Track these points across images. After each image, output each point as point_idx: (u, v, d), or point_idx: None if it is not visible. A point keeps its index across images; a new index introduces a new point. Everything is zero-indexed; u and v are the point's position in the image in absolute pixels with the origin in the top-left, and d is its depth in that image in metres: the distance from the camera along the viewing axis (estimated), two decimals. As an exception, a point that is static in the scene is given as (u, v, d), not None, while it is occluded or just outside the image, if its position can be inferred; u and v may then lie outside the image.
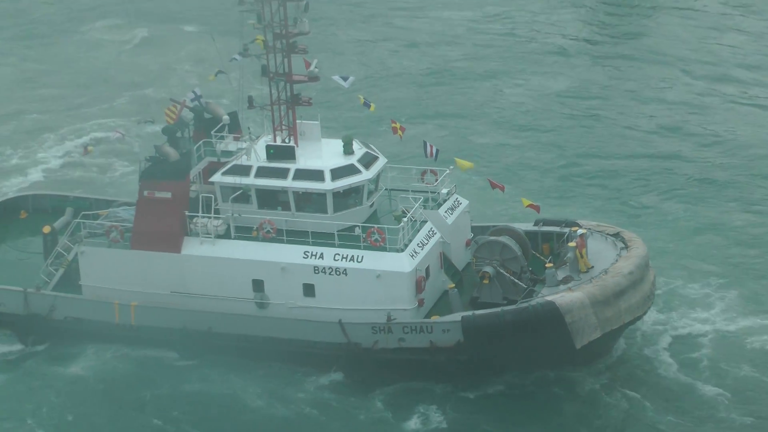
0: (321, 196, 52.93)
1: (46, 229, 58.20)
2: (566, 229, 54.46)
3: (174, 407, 52.99)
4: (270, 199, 53.68)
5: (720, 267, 58.17)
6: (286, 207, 53.74)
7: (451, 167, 56.67)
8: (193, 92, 58.86)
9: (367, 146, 55.62)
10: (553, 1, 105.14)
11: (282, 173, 53.44)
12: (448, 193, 55.20)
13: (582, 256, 51.80)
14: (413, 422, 51.42)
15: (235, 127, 58.09)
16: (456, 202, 55.39)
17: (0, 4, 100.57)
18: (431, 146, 57.06)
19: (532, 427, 51.03)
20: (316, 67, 54.85)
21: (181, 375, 54.55)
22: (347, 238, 52.88)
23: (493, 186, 56.42)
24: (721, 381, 52.20)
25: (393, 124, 57.64)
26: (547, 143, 69.52)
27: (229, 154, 56.29)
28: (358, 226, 53.09)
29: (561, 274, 50.99)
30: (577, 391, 52.65)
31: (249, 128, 57.81)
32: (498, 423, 51.31)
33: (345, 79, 56.24)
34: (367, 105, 59.54)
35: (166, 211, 54.63)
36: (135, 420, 52.96)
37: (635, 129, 76.17)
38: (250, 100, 56.10)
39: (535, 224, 55.32)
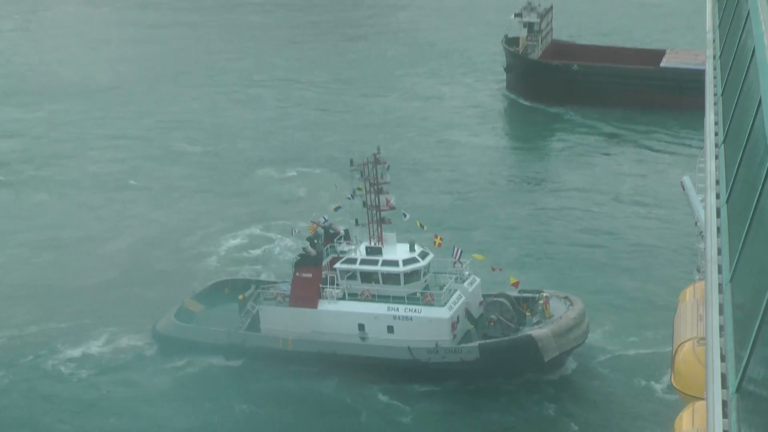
0: (397, 275, 62.54)
1: (240, 297, 66.65)
2: (537, 295, 63.15)
3: (288, 399, 61.73)
4: (368, 277, 63.29)
5: (628, 314, 66.23)
6: (377, 282, 63.13)
7: (470, 259, 64.51)
8: (323, 218, 66.53)
9: (422, 247, 63.96)
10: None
11: (375, 262, 63.28)
12: (468, 274, 64.00)
13: (546, 309, 61.73)
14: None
15: (347, 237, 65.64)
16: (473, 279, 64.10)
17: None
18: (457, 250, 64.05)
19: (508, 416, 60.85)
20: (393, 203, 63.74)
21: (307, 380, 62.50)
22: (412, 298, 62.40)
23: (494, 269, 64.85)
24: (618, 386, 61.78)
25: (435, 238, 64.82)
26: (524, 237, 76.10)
27: (344, 252, 64.58)
28: (419, 291, 62.55)
29: (534, 319, 61.91)
30: (541, 390, 61.61)
31: (356, 236, 65.10)
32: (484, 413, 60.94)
33: (405, 215, 65.21)
34: (421, 226, 66.12)
35: (308, 284, 63.73)
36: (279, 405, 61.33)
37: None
38: (357, 221, 64.43)
39: (519, 292, 63.64)
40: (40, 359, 63.76)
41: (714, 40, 27.80)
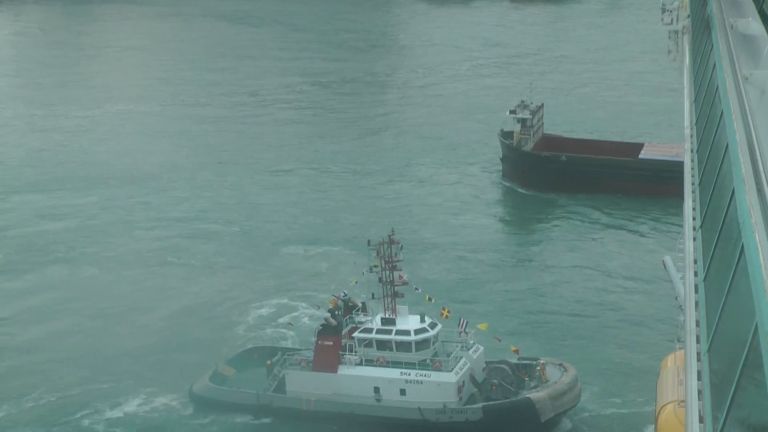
0: (409, 343, 62.41)
1: (268, 362, 66.06)
2: (534, 362, 63.23)
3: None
4: (383, 345, 63.07)
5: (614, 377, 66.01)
6: (391, 349, 62.89)
7: (474, 329, 64.51)
8: (344, 292, 66.86)
9: (431, 318, 63.78)
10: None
11: (389, 332, 63.02)
12: (472, 343, 63.69)
13: (543, 375, 61.44)
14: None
15: (364, 309, 65.70)
16: (477, 347, 63.64)
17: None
18: (463, 321, 64.34)
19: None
20: (406, 279, 63.93)
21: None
22: (423, 364, 62.13)
23: (496, 338, 65.25)
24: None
25: (443, 310, 64.87)
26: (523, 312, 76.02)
27: (361, 323, 64.53)
28: (428, 358, 62.28)
29: (532, 384, 61.68)
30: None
31: (372, 309, 65.32)
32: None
33: (417, 289, 65.40)
34: (430, 300, 65.73)
35: (329, 351, 63.58)
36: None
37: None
38: (373, 295, 64.27)
39: (518, 359, 63.85)
40: (85, 417, 63.80)
41: (691, 135, 27.84)
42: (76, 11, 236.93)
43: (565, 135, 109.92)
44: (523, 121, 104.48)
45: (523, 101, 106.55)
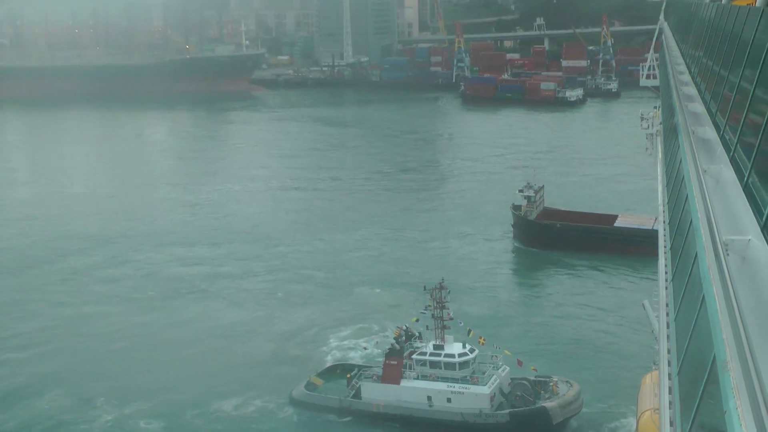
0: (454, 364, 62.29)
1: (348, 375, 66.57)
2: (548, 379, 63.26)
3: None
4: (434, 365, 62.84)
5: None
6: (440, 368, 62.59)
7: (502, 354, 64.45)
8: (405, 324, 67.18)
9: (471, 345, 63.67)
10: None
11: (438, 355, 62.84)
12: (501, 364, 63.72)
13: (554, 389, 61.69)
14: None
15: (421, 337, 65.65)
16: (504, 367, 63.53)
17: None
18: (495, 347, 65.11)
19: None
20: (452, 315, 64.20)
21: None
22: (464, 380, 62.08)
23: (518, 361, 63.72)
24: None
25: (480, 339, 64.76)
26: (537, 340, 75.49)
27: (418, 347, 64.57)
28: (468, 375, 62.38)
29: (546, 396, 61.81)
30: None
31: (426, 337, 65.01)
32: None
33: (460, 323, 64.96)
34: (469, 332, 65.45)
35: (394, 368, 63.64)
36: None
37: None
38: (427, 327, 64.59)
39: (536, 377, 63.78)
40: (204, 413, 64.59)
41: (663, 211, 27.94)
42: (216, 115, 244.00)
43: (560, 208, 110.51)
44: (528, 197, 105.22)
45: (528, 183, 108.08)
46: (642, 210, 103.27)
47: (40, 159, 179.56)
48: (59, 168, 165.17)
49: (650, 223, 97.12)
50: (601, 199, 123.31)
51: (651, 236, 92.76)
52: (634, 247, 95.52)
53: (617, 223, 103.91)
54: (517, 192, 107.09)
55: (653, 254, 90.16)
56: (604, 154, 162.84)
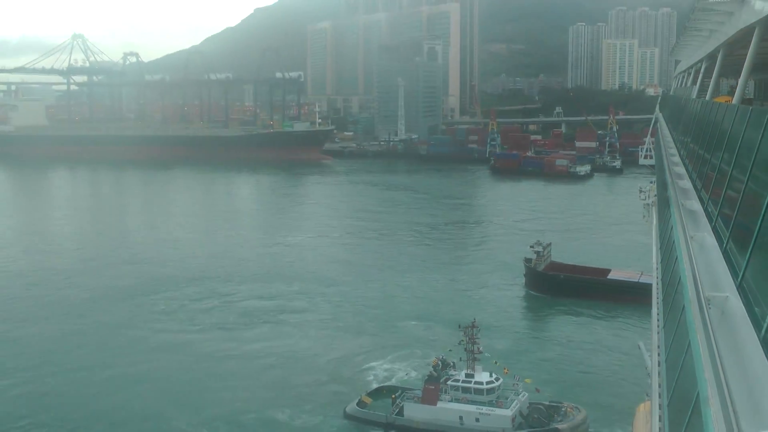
0: (482, 390, 61.06)
1: (393, 396, 65.02)
2: (560, 404, 62.18)
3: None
4: (466, 390, 61.42)
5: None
6: (470, 393, 61.29)
7: (522, 382, 63.08)
8: (442, 356, 64.88)
9: (496, 374, 62.47)
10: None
11: (470, 382, 61.58)
12: (521, 391, 62.36)
13: (566, 413, 60.49)
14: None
15: (455, 367, 63.90)
16: (524, 394, 62.26)
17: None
18: (516, 377, 63.41)
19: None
20: (481, 349, 63.04)
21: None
22: (490, 403, 60.83)
23: (537, 389, 63.08)
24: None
25: (504, 370, 63.86)
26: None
27: (452, 375, 62.99)
28: (494, 399, 61.03)
29: (558, 419, 60.56)
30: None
31: (459, 367, 63.08)
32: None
33: (488, 355, 64.77)
34: (496, 362, 64.88)
35: (432, 392, 62.29)
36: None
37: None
38: (460, 358, 63.14)
39: (550, 402, 62.61)
40: (265, 423, 63.68)
41: (657, 269, 27.50)
42: (293, 179, 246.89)
43: (565, 262, 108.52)
44: (537, 252, 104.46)
45: (538, 241, 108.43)
46: (633, 265, 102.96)
47: (150, 209, 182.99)
48: (165, 217, 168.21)
49: (637, 276, 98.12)
50: (600, 255, 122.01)
51: (637, 288, 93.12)
52: (623, 296, 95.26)
53: (610, 276, 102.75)
54: (529, 248, 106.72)
55: (639, 303, 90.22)
56: (605, 219, 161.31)
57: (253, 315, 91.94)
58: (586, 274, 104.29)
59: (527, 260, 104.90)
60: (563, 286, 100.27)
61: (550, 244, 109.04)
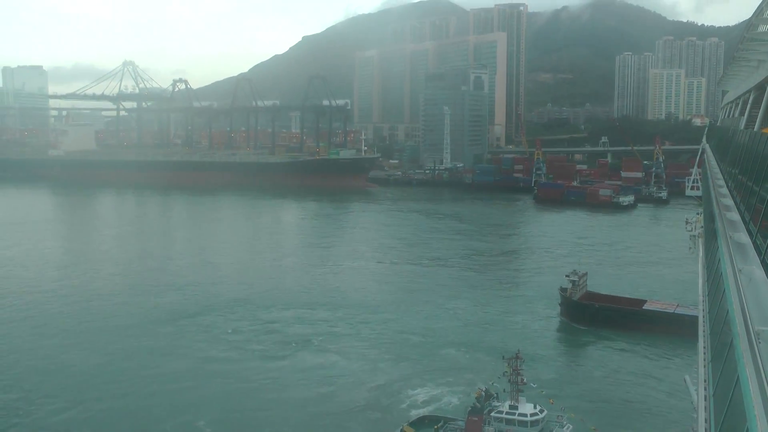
0: (526, 421, 58.81)
1: (435, 427, 62.49)
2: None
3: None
4: (509, 422, 59.01)
5: None
6: (514, 425, 58.95)
7: (567, 414, 60.81)
8: (486, 386, 64.63)
9: (541, 406, 60.65)
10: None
11: (513, 414, 59.35)
12: (565, 423, 60.08)
13: None
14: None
15: (498, 398, 62.14)
16: (568, 426, 59.95)
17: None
18: (562, 409, 62.16)
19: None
20: (525, 380, 60.81)
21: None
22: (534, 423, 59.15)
23: (581, 419, 61.82)
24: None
25: (550, 400, 63.03)
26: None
27: (496, 406, 60.68)
28: (538, 431, 59.14)
29: None
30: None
31: (503, 398, 61.80)
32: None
33: (533, 386, 62.61)
34: (541, 391, 64.56)
35: (475, 423, 60.28)
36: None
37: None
38: (504, 390, 61.77)
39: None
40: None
41: (703, 302, 27.09)
42: (338, 205, 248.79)
43: (600, 292, 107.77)
44: (573, 281, 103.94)
45: (574, 270, 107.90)
46: (672, 297, 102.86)
47: (195, 234, 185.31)
48: (210, 242, 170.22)
49: (673, 307, 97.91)
50: (639, 285, 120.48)
51: (673, 319, 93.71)
52: (659, 327, 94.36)
53: (645, 307, 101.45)
54: (565, 277, 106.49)
55: (675, 334, 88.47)
56: (649, 250, 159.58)
57: (296, 341, 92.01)
58: (622, 304, 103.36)
59: (562, 289, 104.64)
60: (598, 316, 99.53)
61: (586, 273, 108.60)
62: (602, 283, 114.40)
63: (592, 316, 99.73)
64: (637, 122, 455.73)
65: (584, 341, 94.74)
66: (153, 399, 71.50)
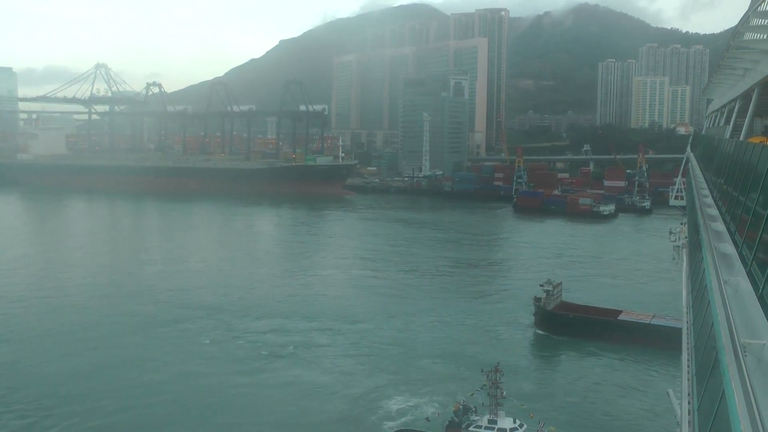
0: None
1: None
2: None
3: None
4: None
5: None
6: None
7: (548, 429, 61.89)
8: (464, 399, 65.66)
9: (520, 420, 61.31)
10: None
11: (492, 428, 60.21)
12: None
13: None
14: None
15: (477, 412, 63.43)
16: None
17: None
18: (541, 423, 62.13)
19: None
20: (505, 394, 61.80)
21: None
22: None
23: None
24: None
25: (530, 415, 63.25)
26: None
27: (474, 420, 61.70)
28: None
29: None
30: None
31: (482, 412, 63.15)
32: None
33: (513, 401, 64.02)
34: (521, 406, 64.82)
35: None
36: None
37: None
38: (483, 403, 62.42)
39: None
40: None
41: (687, 314, 27.14)
42: (314, 213, 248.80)
43: (575, 302, 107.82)
44: (548, 291, 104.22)
45: (548, 279, 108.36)
46: (649, 309, 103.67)
47: (168, 242, 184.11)
48: (184, 249, 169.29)
49: (648, 318, 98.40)
50: (613, 295, 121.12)
51: (649, 330, 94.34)
52: (634, 338, 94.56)
53: (621, 317, 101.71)
54: (539, 286, 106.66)
55: (651, 345, 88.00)
56: (624, 258, 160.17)
57: (270, 350, 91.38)
58: (597, 314, 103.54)
59: (537, 299, 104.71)
60: (572, 326, 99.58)
61: (560, 283, 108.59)
62: (579, 294, 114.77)
63: (567, 326, 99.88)
64: (621, 130, 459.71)
65: (562, 353, 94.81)
66: (126, 414, 70.83)
